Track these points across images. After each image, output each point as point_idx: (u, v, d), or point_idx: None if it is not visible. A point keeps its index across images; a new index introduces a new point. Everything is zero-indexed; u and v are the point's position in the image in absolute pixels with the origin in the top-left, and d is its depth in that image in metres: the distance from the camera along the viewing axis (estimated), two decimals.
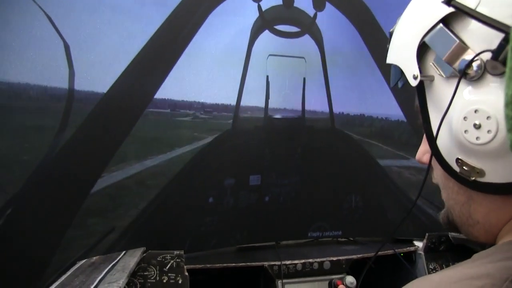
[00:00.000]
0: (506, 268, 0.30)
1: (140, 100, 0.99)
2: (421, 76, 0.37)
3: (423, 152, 0.43)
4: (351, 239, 1.29)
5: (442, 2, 0.35)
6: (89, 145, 0.92)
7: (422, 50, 0.38)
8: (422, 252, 1.13)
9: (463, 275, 0.31)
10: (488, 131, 0.32)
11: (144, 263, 0.91)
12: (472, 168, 0.34)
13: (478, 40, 0.33)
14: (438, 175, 0.41)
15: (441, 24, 0.35)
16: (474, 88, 0.33)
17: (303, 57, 1.19)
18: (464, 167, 0.35)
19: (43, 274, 0.82)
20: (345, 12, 1.19)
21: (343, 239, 1.29)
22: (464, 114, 0.33)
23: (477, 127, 0.32)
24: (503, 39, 0.30)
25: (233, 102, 1.14)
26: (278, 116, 1.21)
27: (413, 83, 0.38)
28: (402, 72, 0.40)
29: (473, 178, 0.34)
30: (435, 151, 0.37)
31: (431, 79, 0.37)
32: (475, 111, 0.32)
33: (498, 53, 0.30)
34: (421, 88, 0.38)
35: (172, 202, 1.07)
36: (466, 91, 0.34)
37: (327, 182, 1.26)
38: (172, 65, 1.01)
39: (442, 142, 0.37)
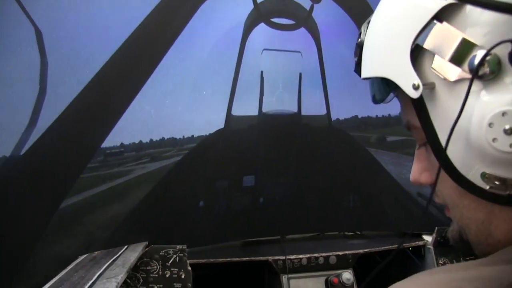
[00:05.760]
0: (505, 272, 0.26)
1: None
2: (422, 85, 0.32)
3: (420, 170, 0.38)
4: (358, 233, 1.27)
5: None
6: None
7: (414, 54, 0.32)
8: (431, 247, 1.10)
9: (452, 278, 0.28)
10: None
11: (146, 257, 0.90)
12: (503, 181, 0.29)
13: (487, 32, 0.28)
14: (447, 193, 0.35)
15: (435, 21, 0.31)
16: (492, 88, 0.28)
17: (299, 52, 1.12)
18: (496, 182, 0.29)
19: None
20: (341, 4, 1.13)
21: (349, 233, 1.27)
22: (488, 119, 0.28)
23: (509, 132, 0.28)
24: None
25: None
26: (273, 112, 1.16)
27: (414, 94, 0.32)
28: (391, 85, 0.34)
29: (508, 192, 0.29)
30: (449, 168, 0.32)
31: (432, 86, 0.32)
32: (503, 114, 0.28)
33: None
34: (419, 99, 0.33)
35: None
36: (483, 93, 0.29)
37: (326, 181, 1.22)
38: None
39: (456, 156, 0.32)
